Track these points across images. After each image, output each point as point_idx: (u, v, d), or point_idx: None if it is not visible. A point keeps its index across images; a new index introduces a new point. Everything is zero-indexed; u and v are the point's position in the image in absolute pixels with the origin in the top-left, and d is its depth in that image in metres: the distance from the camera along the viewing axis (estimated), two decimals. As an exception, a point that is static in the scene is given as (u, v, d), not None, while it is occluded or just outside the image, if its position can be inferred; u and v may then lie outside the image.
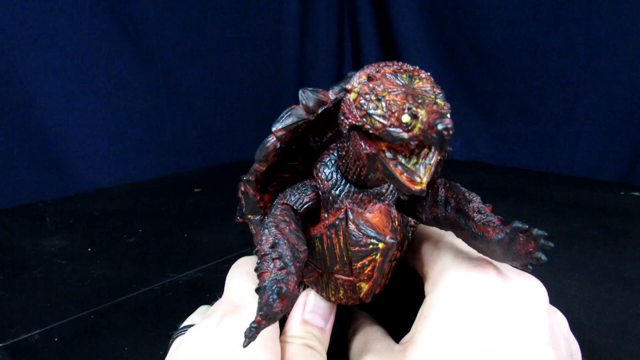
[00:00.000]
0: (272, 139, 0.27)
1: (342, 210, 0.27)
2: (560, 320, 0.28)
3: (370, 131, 0.23)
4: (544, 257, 0.24)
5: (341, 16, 1.39)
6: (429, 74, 0.25)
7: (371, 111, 0.23)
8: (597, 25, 1.02)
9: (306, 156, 0.31)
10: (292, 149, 0.30)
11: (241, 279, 0.32)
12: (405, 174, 0.23)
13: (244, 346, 0.23)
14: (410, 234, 0.31)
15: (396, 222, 0.28)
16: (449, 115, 0.21)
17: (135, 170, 1.07)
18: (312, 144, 0.31)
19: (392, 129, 0.22)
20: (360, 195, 0.27)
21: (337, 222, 0.27)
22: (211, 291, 0.57)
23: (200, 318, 0.31)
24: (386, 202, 0.28)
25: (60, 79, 0.93)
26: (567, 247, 0.70)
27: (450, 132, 0.21)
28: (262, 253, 0.25)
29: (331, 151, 0.29)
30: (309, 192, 0.30)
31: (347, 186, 0.28)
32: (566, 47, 1.07)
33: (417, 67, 0.25)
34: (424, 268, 0.30)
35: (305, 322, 0.30)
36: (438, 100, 0.22)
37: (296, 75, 1.36)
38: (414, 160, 0.23)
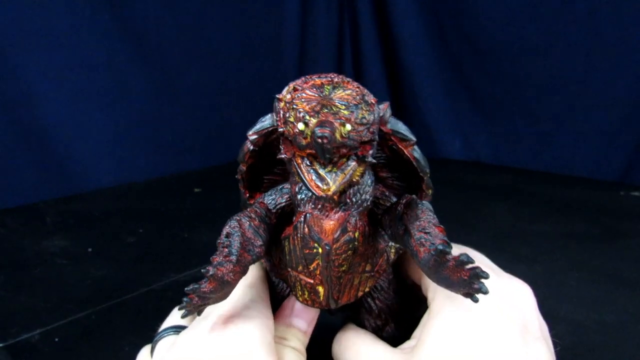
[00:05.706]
0: (246, 142, 0.30)
1: (303, 214, 0.28)
2: (543, 322, 0.30)
3: (289, 137, 0.25)
4: (484, 289, 0.24)
5: (341, 16, 1.39)
6: (357, 84, 0.26)
7: (287, 119, 0.25)
8: (597, 25, 1.02)
9: None
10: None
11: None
12: (315, 180, 0.25)
13: (182, 317, 0.26)
14: (392, 250, 0.31)
15: (356, 233, 0.28)
16: (336, 124, 0.23)
17: (135, 170, 1.07)
18: None
19: (297, 136, 0.24)
20: (323, 202, 0.28)
21: (297, 225, 0.28)
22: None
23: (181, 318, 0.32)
24: (348, 211, 0.28)
25: (61, 79, 0.93)
26: (567, 247, 0.70)
27: (324, 140, 0.22)
28: (218, 241, 0.27)
29: None
30: (285, 195, 0.31)
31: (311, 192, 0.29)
32: (566, 47, 1.07)
33: (349, 80, 0.26)
34: (423, 278, 0.31)
35: (291, 325, 0.32)
36: (343, 111, 0.23)
37: (296, 75, 1.34)
38: (328, 168, 0.25)
